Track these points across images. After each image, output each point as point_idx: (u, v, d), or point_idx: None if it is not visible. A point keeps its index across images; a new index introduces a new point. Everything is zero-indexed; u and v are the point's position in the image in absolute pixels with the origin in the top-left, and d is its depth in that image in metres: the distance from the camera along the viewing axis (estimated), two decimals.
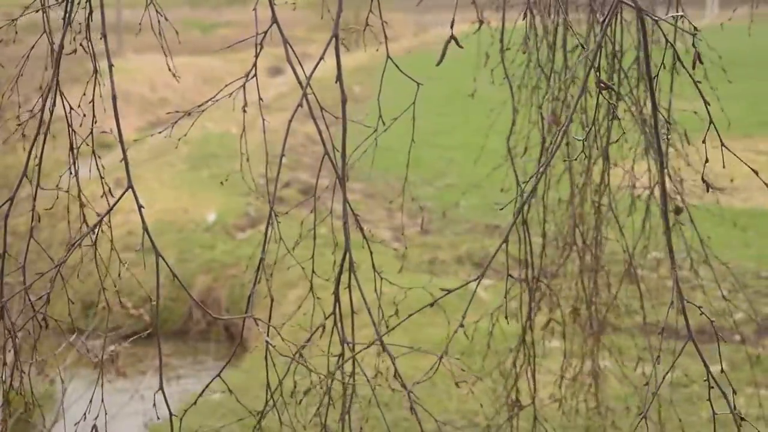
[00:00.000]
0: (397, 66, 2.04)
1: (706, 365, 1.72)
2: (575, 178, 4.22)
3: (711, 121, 1.75)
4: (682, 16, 1.83)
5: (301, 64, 2.00)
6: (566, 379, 4.51)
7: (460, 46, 1.91)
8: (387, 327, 2.23)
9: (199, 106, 2.13)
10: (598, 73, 1.74)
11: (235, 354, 2.30)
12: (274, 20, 1.99)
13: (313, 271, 2.38)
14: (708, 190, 3.69)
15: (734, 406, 1.73)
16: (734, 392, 1.76)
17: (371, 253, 2.22)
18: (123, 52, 22.79)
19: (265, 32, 2.02)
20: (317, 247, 2.45)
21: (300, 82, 1.95)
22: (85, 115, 2.18)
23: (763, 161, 13.55)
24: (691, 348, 1.89)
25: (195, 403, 2.20)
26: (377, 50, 2.12)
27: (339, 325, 2.10)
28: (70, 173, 2.20)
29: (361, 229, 2.15)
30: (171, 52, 2.46)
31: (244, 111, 2.17)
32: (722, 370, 1.77)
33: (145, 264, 2.21)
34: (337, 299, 2.12)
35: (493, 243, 10.67)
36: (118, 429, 6.34)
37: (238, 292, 10.97)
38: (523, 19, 2.74)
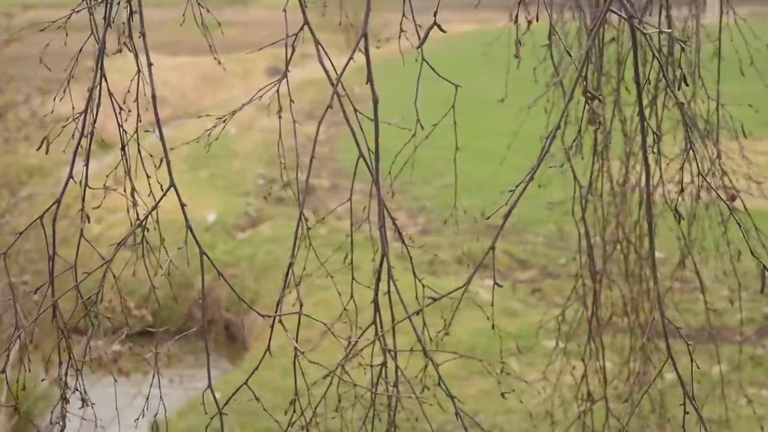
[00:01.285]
0: (433, 69, 2.04)
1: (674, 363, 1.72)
2: (616, 176, 4.21)
3: (685, 122, 1.76)
4: (669, 32, 1.84)
5: (332, 63, 2.01)
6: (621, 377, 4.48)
7: (443, 31, 1.92)
8: (429, 334, 2.21)
9: (232, 112, 2.15)
10: (585, 82, 1.74)
11: (257, 369, 2.29)
12: (306, 22, 1.99)
13: (353, 278, 2.37)
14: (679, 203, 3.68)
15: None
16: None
17: (410, 257, 2.22)
18: (124, 52, 22.73)
19: (296, 34, 2.02)
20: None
21: (331, 82, 1.96)
22: (130, 111, 2.19)
23: (763, 161, 13.54)
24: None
25: (221, 410, 2.21)
26: (414, 46, 2.11)
27: (380, 333, 2.10)
28: (125, 173, 2.21)
29: (400, 234, 2.15)
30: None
31: (279, 117, 2.18)
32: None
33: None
34: (377, 308, 2.11)
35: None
36: (121, 428, 6.31)
37: (237, 292, 10.96)
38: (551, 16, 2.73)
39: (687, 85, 1.71)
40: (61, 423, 2.08)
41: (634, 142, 4.11)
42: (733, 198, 3.72)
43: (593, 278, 2.84)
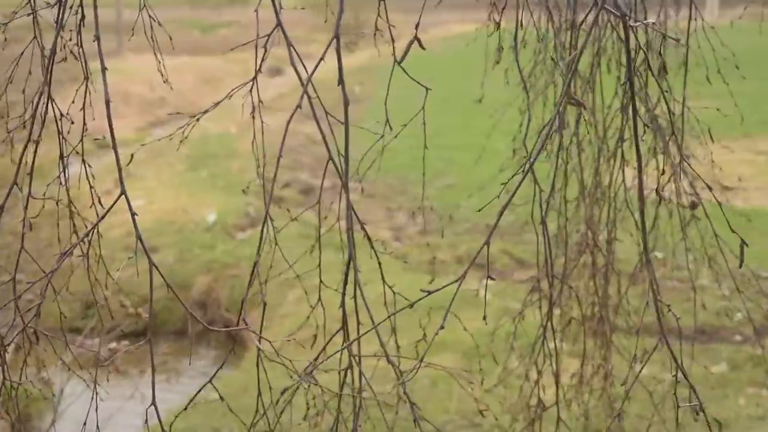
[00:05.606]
0: (405, 72, 2.03)
1: (678, 363, 1.71)
2: (586, 178, 4.20)
3: (672, 130, 1.76)
4: (653, 23, 1.84)
5: (304, 66, 2.00)
6: (580, 382, 4.49)
7: (423, 48, 1.91)
8: (396, 338, 2.21)
9: (204, 112, 2.13)
10: (570, 86, 1.74)
11: (226, 361, 2.30)
12: (278, 24, 1.98)
13: (321, 281, 2.37)
14: (661, 200, 3.66)
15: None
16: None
17: (380, 263, 2.21)
18: (122, 52, 22.79)
19: (269, 35, 2.01)
20: (325, 247, 2.45)
21: (302, 83, 1.94)
22: (73, 122, 2.18)
23: (763, 161, 13.54)
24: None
25: (186, 408, 2.20)
26: (392, 51, 2.10)
27: (347, 339, 2.09)
28: (60, 183, 2.20)
29: (369, 239, 2.14)
30: (170, 53, 2.46)
31: (253, 117, 2.17)
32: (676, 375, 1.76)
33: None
34: (345, 313, 2.11)
35: (493, 243, 10.67)
36: (118, 429, 6.34)
37: (238, 293, 10.96)
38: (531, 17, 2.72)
39: (666, 73, 1.71)
40: None
41: (604, 144, 4.10)
42: (693, 205, 3.71)
43: (550, 284, 2.84)
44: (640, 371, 2.08)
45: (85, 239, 2.00)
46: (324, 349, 2.12)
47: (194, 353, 9.62)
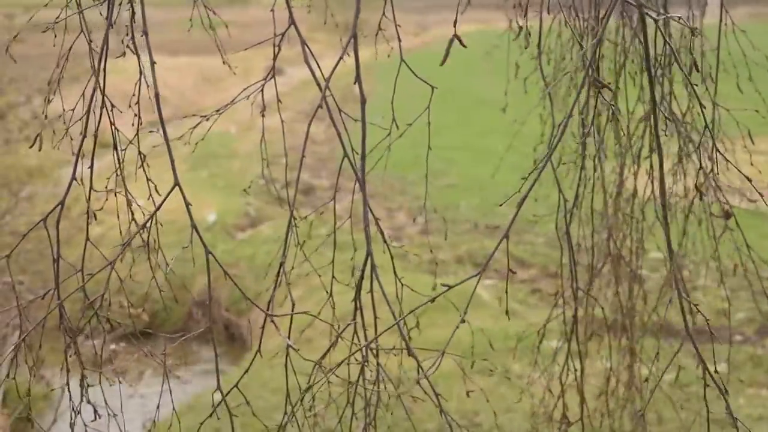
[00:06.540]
0: (411, 70, 2.04)
1: (704, 363, 1.72)
2: (608, 186, 4.19)
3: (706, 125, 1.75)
4: (680, 18, 1.83)
5: (318, 65, 2.01)
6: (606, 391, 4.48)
7: (464, 45, 1.89)
8: (408, 333, 2.21)
9: (218, 111, 2.14)
10: (594, 72, 1.72)
11: (252, 364, 2.29)
12: (292, 22, 1.99)
13: (333, 277, 2.38)
14: (701, 197, 3.65)
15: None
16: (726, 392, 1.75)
17: (392, 258, 2.22)
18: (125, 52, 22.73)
19: (283, 34, 2.02)
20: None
21: (319, 84, 1.96)
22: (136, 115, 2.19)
23: (763, 161, 13.54)
24: (691, 347, 1.89)
25: (211, 415, 2.21)
26: (391, 49, 2.10)
27: (362, 330, 2.10)
28: (120, 176, 2.23)
29: (382, 233, 2.14)
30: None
31: (263, 115, 2.18)
32: (712, 370, 1.76)
33: (151, 265, 2.22)
34: (358, 305, 2.11)
35: (493, 243, 10.66)
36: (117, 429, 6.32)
37: (237, 293, 10.95)
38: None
39: (698, 71, 1.70)
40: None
41: (627, 153, 4.08)
42: (727, 216, 3.68)
43: (575, 297, 2.80)
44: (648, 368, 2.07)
45: (145, 228, 2.02)
46: (336, 341, 2.12)
47: (194, 352, 9.62)
